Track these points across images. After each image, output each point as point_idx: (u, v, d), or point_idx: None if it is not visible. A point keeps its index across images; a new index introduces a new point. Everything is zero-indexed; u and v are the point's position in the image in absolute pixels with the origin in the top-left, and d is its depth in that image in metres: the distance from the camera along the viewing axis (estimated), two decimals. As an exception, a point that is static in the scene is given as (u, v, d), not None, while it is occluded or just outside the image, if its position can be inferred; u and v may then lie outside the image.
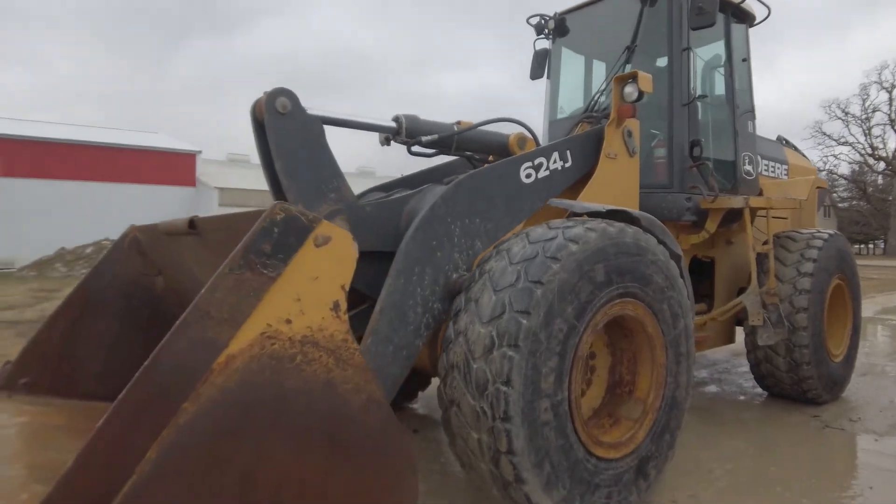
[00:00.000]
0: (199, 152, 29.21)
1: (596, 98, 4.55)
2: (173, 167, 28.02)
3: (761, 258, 4.53)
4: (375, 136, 3.48)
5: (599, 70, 5.23)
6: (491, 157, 3.92)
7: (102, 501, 1.46)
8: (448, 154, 3.67)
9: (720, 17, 4.63)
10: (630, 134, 3.78)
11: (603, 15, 4.99)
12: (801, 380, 4.63)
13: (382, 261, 2.80)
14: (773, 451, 3.88)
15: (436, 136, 3.38)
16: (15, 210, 23.61)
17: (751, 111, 5.02)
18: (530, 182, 3.23)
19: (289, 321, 1.78)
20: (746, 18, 5.02)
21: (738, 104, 4.81)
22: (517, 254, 2.63)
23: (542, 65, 5.45)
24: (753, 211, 4.60)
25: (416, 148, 3.45)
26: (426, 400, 4.92)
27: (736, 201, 4.35)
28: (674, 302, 3.07)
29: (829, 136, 46.39)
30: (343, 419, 1.84)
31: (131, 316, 3.05)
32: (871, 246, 55.95)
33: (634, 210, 3.26)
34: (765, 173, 5.38)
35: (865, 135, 45.69)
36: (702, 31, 4.30)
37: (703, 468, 3.58)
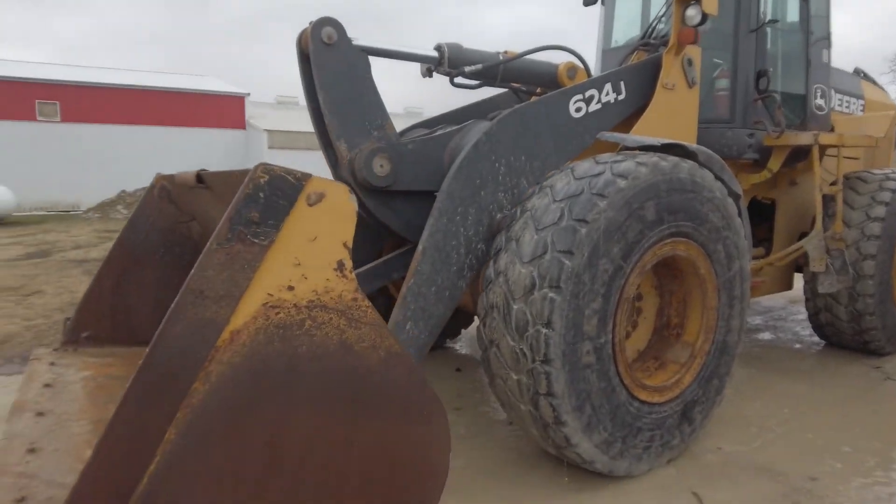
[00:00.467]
0: (248, 95, 29.40)
1: (654, 24, 4.22)
2: (223, 110, 28.32)
3: (828, 200, 4.22)
4: (426, 78, 3.34)
5: (659, -7, 4.85)
6: (539, 91, 3.72)
7: (127, 488, 1.48)
8: (493, 86, 3.51)
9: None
10: (690, 62, 3.51)
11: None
12: (864, 330, 4.38)
13: (425, 201, 2.73)
14: (830, 403, 3.71)
15: (480, 66, 3.22)
16: (78, 155, 24.52)
17: (826, 38, 4.57)
18: (580, 116, 3.06)
19: (291, 288, 1.70)
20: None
21: (812, 30, 4.39)
22: (561, 190, 2.50)
23: None
24: (823, 149, 4.25)
25: (459, 79, 3.31)
26: (469, 339, 4.91)
27: (804, 138, 4.02)
28: (729, 242, 2.89)
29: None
30: (363, 377, 1.81)
31: (174, 261, 3.11)
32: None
33: (691, 144, 3.05)
34: (838, 108, 4.96)
35: (953, 69, 41.97)
36: None
37: (753, 418, 3.46)
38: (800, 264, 4.50)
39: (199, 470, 1.58)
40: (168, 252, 3.13)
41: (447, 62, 3.17)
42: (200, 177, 2.58)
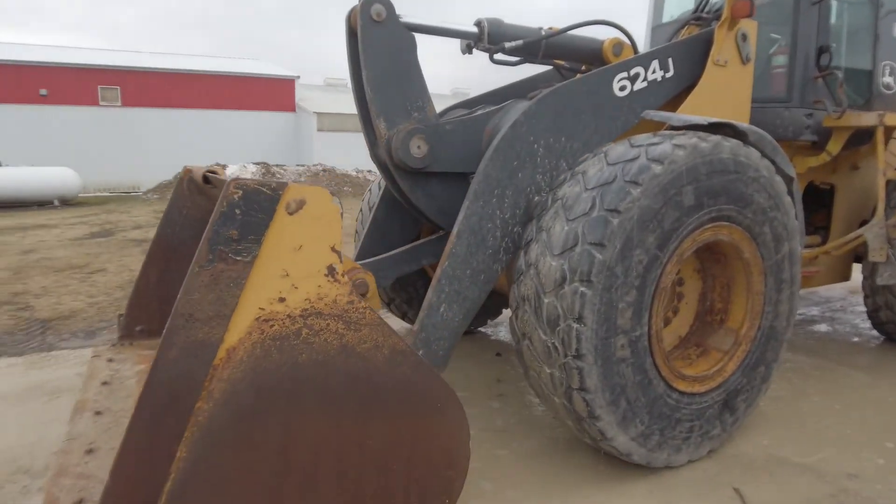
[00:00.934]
0: (298, 78, 29.78)
1: (709, -4, 3.99)
2: (274, 93, 28.80)
3: (891, 187, 3.94)
4: (466, 55, 3.27)
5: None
6: (584, 68, 3.59)
7: None
8: (535, 62, 3.38)
9: None
10: (745, 37, 3.30)
11: None
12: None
13: (460, 185, 2.69)
14: (885, 401, 3.51)
15: (520, 42, 3.11)
16: (138, 138, 25.49)
17: (897, 10, 4.24)
18: (624, 95, 2.92)
19: (282, 299, 1.69)
20: None
21: (882, 2, 4.07)
22: (593, 178, 2.41)
23: None
24: (889, 131, 3.95)
25: (499, 56, 3.21)
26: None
27: (867, 118, 3.75)
28: (777, 224, 2.74)
29: None
30: (369, 378, 1.80)
31: None
32: None
33: (742, 123, 2.87)
34: None
35: None
36: None
37: (802, 414, 3.31)
38: (859, 254, 4.24)
39: (213, 483, 1.62)
40: None
41: (487, 38, 3.08)
42: (207, 178, 2.61)
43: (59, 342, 4.60)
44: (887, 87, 4.19)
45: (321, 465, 1.75)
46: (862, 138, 3.96)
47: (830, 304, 5.94)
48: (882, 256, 3.80)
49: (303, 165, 20.41)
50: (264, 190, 1.65)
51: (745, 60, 3.33)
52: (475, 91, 4.30)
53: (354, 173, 20.06)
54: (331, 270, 1.75)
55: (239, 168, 18.51)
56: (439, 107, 3.11)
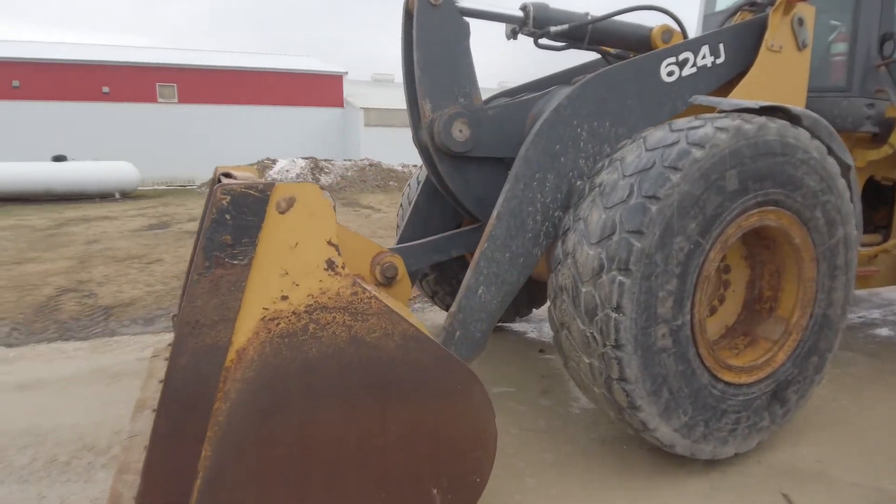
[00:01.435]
0: (346, 73, 30.11)
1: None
2: (323, 89, 29.19)
3: None
4: (510, 40, 3.24)
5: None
6: (632, 56, 3.51)
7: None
8: (580, 48, 3.31)
9: None
10: (801, 22, 3.15)
11: None
12: None
13: (499, 174, 2.68)
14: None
15: (566, 27, 3.06)
16: (193, 134, 26.33)
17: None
18: (672, 80, 2.85)
19: (285, 297, 1.71)
20: None
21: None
22: (631, 164, 2.35)
23: None
24: (957, 121, 3.72)
25: (543, 41, 3.17)
26: None
27: None
28: (830, 207, 2.63)
29: None
30: (383, 366, 1.80)
31: None
32: None
33: (796, 107, 2.74)
34: None
35: None
36: None
37: (858, 423, 3.13)
38: None
39: (241, 477, 1.67)
40: None
41: (532, 21, 3.04)
42: (221, 180, 2.67)
43: (121, 328, 4.85)
44: None
45: (344, 456, 1.77)
46: None
47: (893, 307, 5.64)
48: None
49: (350, 160, 20.65)
50: (252, 192, 1.66)
51: (801, 46, 3.18)
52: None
53: (400, 168, 20.19)
54: (330, 264, 1.76)
55: (288, 162, 18.85)
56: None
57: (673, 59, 2.85)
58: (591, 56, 3.60)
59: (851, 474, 2.63)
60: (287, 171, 18.19)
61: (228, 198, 1.63)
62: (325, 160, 20.05)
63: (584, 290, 2.31)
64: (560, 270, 2.44)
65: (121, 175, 17.25)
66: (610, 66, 2.76)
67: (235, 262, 1.64)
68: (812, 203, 2.57)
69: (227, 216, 1.63)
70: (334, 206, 1.80)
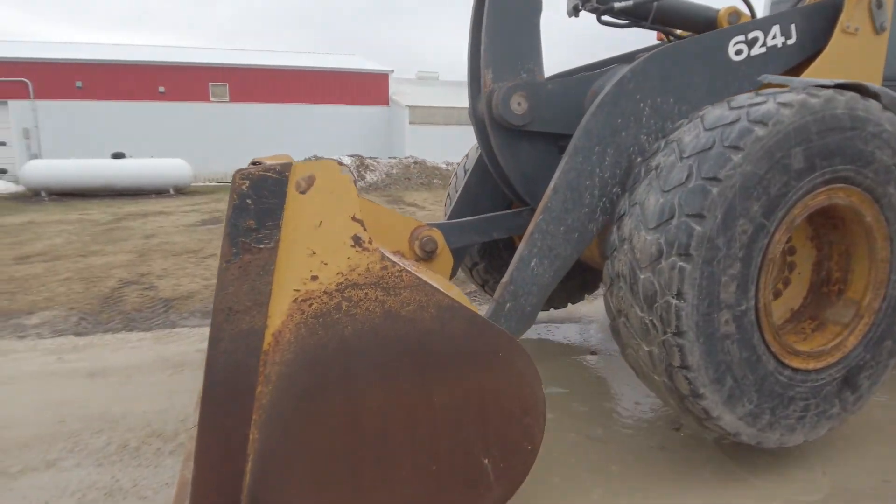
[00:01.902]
0: (392, 72, 30.20)
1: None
2: (369, 87, 29.30)
3: None
4: (572, 17, 3.19)
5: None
6: None
7: (235, 486, 1.63)
8: (643, 27, 3.23)
9: None
10: (880, 4, 2.99)
11: None
12: None
13: (552, 155, 2.65)
14: None
15: (630, 3, 2.99)
16: (244, 131, 26.91)
17: None
18: (741, 59, 2.74)
19: (315, 277, 1.69)
20: None
21: None
22: (689, 145, 2.26)
23: None
24: None
25: (606, 17, 3.10)
26: (603, 319, 4.70)
27: None
28: None
29: None
30: (421, 339, 1.78)
31: None
32: None
33: (873, 84, 2.58)
34: None
35: None
36: None
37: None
38: None
39: (290, 458, 1.69)
40: None
41: None
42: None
43: (181, 320, 5.03)
44: None
45: (391, 431, 1.77)
46: None
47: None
48: None
49: (395, 158, 20.75)
50: (270, 175, 1.63)
51: (878, 30, 3.02)
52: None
53: (444, 166, 20.16)
54: (356, 240, 1.73)
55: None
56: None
57: (742, 38, 2.74)
58: (645, 44, 3.50)
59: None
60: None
61: (248, 182, 1.61)
62: (371, 158, 20.21)
63: (642, 276, 2.24)
64: (616, 257, 2.38)
65: (175, 172, 17.84)
66: (676, 41, 2.68)
67: (262, 245, 1.63)
68: (885, 179, 2.43)
69: (249, 201, 1.62)
70: (355, 181, 1.77)
